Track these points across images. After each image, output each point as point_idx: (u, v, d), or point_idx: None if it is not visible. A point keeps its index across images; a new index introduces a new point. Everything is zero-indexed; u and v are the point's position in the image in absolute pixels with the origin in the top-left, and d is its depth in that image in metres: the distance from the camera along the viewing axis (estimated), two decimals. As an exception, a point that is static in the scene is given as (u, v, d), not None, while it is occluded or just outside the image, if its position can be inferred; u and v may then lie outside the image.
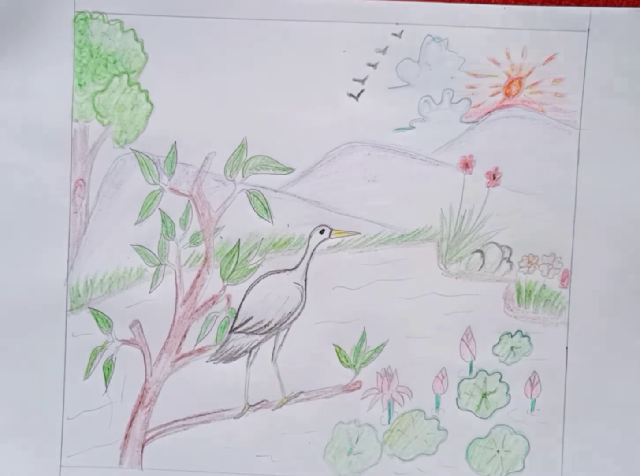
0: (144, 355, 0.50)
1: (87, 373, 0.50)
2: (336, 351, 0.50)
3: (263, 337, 0.50)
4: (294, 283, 0.49)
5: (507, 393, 0.49)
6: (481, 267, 0.49)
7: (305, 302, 0.49)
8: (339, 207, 0.49)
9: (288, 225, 0.49)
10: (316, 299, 0.49)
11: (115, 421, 0.50)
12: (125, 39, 0.48)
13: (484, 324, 0.49)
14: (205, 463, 0.50)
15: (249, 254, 0.49)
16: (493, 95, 0.48)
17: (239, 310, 0.50)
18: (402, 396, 0.50)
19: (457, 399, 0.50)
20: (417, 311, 0.49)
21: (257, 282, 0.49)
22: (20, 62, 0.48)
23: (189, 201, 0.49)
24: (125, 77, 0.49)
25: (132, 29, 0.48)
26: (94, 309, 0.50)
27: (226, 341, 0.50)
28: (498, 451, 0.49)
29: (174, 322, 0.50)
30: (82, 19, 0.48)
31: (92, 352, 0.50)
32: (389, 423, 0.50)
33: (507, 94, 0.48)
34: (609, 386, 0.49)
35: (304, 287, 0.49)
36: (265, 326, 0.50)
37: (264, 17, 0.48)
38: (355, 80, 0.48)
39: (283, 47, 0.48)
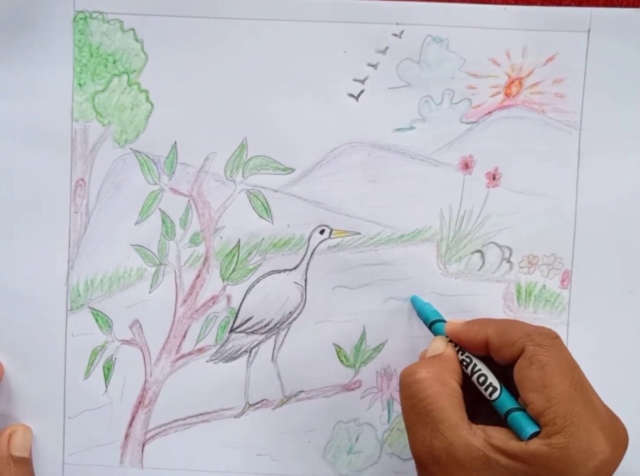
0: (143, 355, 0.50)
1: (87, 373, 0.50)
2: (336, 350, 0.50)
3: (263, 336, 0.50)
4: (294, 283, 0.49)
5: (506, 393, 0.50)
6: (481, 267, 0.49)
7: (305, 302, 0.49)
8: (339, 207, 0.49)
9: (288, 225, 0.49)
10: (316, 299, 0.49)
11: (115, 421, 0.50)
12: (125, 38, 0.48)
13: (483, 324, 0.49)
14: (206, 462, 0.50)
15: (249, 254, 0.49)
16: (493, 95, 0.48)
17: (239, 310, 0.50)
18: (401, 396, 0.50)
19: (456, 399, 0.50)
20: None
21: (257, 282, 0.50)
22: (20, 62, 0.48)
23: (189, 201, 0.49)
24: (125, 77, 0.49)
25: (132, 29, 0.48)
26: (94, 309, 0.50)
27: (226, 341, 0.50)
28: (497, 451, 0.50)
29: (173, 322, 0.50)
30: (81, 19, 0.48)
31: (92, 351, 0.50)
32: (388, 422, 0.50)
33: (507, 95, 0.48)
34: (609, 387, 0.49)
35: (304, 286, 0.49)
36: (265, 326, 0.50)
37: (264, 17, 0.48)
38: (355, 80, 0.48)
39: (283, 47, 0.48)
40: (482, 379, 0.41)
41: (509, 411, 0.39)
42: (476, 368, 0.42)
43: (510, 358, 0.40)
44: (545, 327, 0.41)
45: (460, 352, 0.43)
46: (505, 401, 0.40)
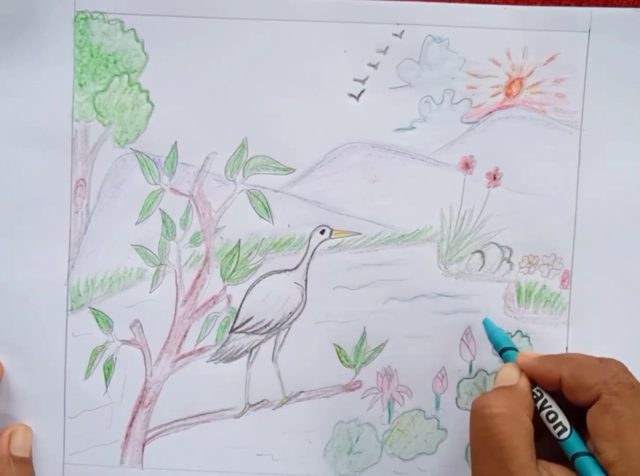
0: (144, 355, 0.50)
1: (88, 373, 0.50)
2: (336, 351, 0.50)
3: (263, 337, 0.50)
4: (295, 283, 0.49)
5: (507, 393, 0.49)
6: (481, 267, 0.49)
7: (305, 302, 0.49)
8: (339, 207, 0.49)
9: (288, 226, 0.49)
10: (316, 299, 0.49)
11: (115, 421, 0.50)
12: (125, 39, 0.48)
13: (484, 324, 0.49)
14: (206, 462, 0.50)
15: (250, 254, 0.49)
16: (494, 95, 0.48)
17: (239, 310, 0.50)
18: (402, 396, 0.50)
19: (457, 399, 0.50)
20: (417, 311, 0.49)
21: (258, 282, 0.50)
22: (20, 62, 0.48)
23: (189, 201, 0.49)
24: (125, 77, 0.49)
25: (133, 29, 0.48)
26: (94, 309, 0.50)
27: (226, 341, 0.50)
28: (498, 451, 0.49)
29: (174, 322, 0.50)
30: (82, 19, 0.48)
31: (93, 351, 0.50)
32: (389, 422, 0.50)
33: (507, 95, 0.48)
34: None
35: (304, 287, 0.49)
36: (265, 326, 0.50)
37: (264, 17, 0.48)
38: (355, 80, 0.48)
39: (283, 47, 0.48)
40: (551, 416, 0.41)
41: (576, 454, 0.39)
42: (546, 404, 0.42)
43: (584, 402, 0.40)
44: (624, 374, 0.40)
45: (531, 385, 0.43)
46: (574, 444, 0.40)
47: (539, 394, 0.42)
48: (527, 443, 0.39)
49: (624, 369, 0.41)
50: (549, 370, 0.42)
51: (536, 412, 0.42)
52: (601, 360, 0.42)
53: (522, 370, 0.43)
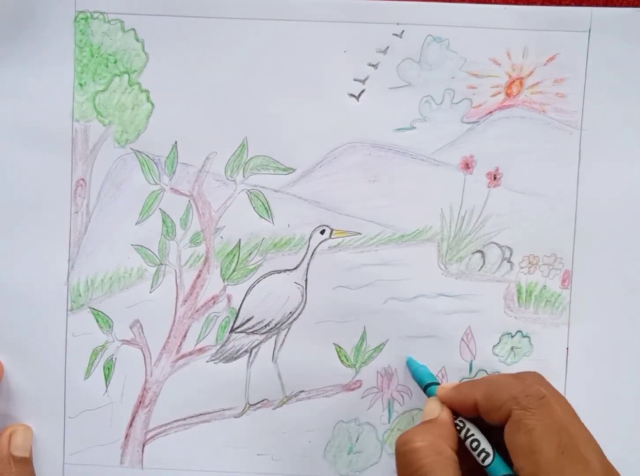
0: (144, 355, 0.50)
1: (88, 373, 0.50)
2: (336, 350, 0.50)
3: (263, 336, 0.50)
4: (295, 283, 0.49)
5: (507, 393, 0.49)
6: (481, 267, 0.49)
7: (305, 302, 0.49)
8: (339, 207, 0.49)
9: (289, 226, 0.49)
10: (317, 299, 0.49)
11: (115, 421, 0.50)
12: (125, 38, 0.48)
13: (484, 324, 0.49)
14: (206, 462, 0.50)
15: (250, 254, 0.49)
16: (494, 95, 0.48)
17: (239, 310, 0.50)
18: (402, 396, 0.50)
19: (457, 399, 0.50)
20: (417, 311, 0.49)
21: (258, 282, 0.50)
22: (21, 62, 0.48)
23: (189, 201, 0.49)
24: (125, 77, 0.49)
25: (133, 29, 0.48)
26: (94, 309, 0.50)
27: (226, 341, 0.50)
28: (498, 451, 0.50)
29: (174, 322, 0.50)
30: (82, 19, 0.48)
31: (93, 351, 0.50)
32: (389, 422, 0.50)
33: (508, 94, 0.48)
34: (610, 387, 0.49)
35: (304, 287, 0.49)
36: (265, 326, 0.50)
37: (265, 17, 0.48)
38: (356, 80, 0.48)
39: (283, 47, 0.48)
40: (474, 444, 0.41)
41: None
42: (469, 433, 0.41)
43: (499, 422, 0.39)
44: (534, 385, 0.40)
45: (454, 415, 0.43)
46: (497, 468, 0.39)
47: (461, 424, 0.42)
48: (450, 472, 0.38)
49: (538, 380, 0.41)
50: (464, 397, 0.42)
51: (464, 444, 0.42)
52: (516, 376, 0.41)
53: (443, 403, 0.43)
